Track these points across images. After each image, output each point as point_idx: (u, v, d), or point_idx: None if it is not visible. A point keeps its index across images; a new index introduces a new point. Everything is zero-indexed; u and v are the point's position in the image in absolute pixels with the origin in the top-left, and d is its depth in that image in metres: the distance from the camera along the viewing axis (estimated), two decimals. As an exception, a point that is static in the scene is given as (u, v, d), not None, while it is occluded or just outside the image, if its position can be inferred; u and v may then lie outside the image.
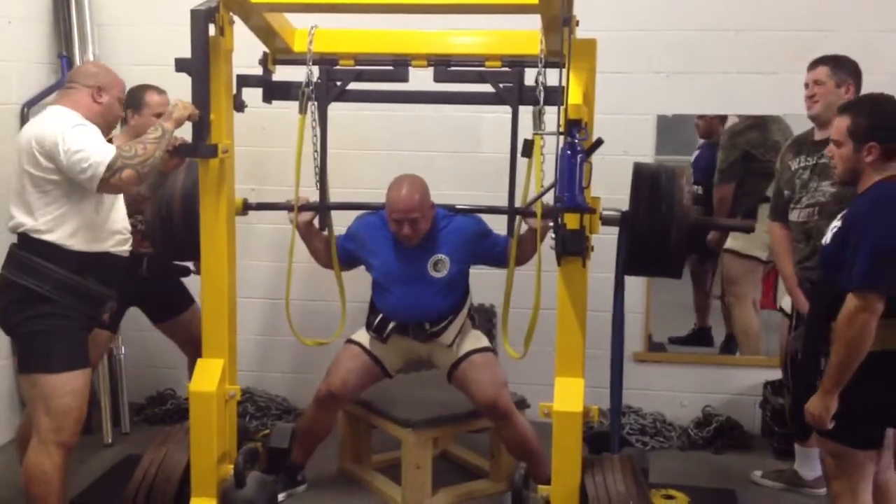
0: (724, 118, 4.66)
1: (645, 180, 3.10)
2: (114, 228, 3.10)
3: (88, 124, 2.97)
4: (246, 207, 3.40)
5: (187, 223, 3.29)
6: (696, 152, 4.81)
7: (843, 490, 2.78)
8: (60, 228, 2.94)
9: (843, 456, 2.76)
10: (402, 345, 3.64)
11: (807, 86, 3.56)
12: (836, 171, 2.83)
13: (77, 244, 2.97)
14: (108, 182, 2.85)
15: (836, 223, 2.75)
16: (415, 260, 3.53)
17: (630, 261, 3.11)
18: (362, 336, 3.67)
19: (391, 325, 3.57)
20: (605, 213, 3.01)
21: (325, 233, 3.59)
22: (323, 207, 3.50)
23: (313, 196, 3.50)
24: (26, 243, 2.97)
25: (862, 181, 2.72)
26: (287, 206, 3.50)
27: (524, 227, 3.40)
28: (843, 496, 2.79)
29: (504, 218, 3.40)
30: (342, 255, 3.62)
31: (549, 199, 2.84)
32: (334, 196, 3.55)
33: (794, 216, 3.57)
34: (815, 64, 3.56)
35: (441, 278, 3.53)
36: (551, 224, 2.87)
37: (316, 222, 3.58)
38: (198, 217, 3.13)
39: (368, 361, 3.62)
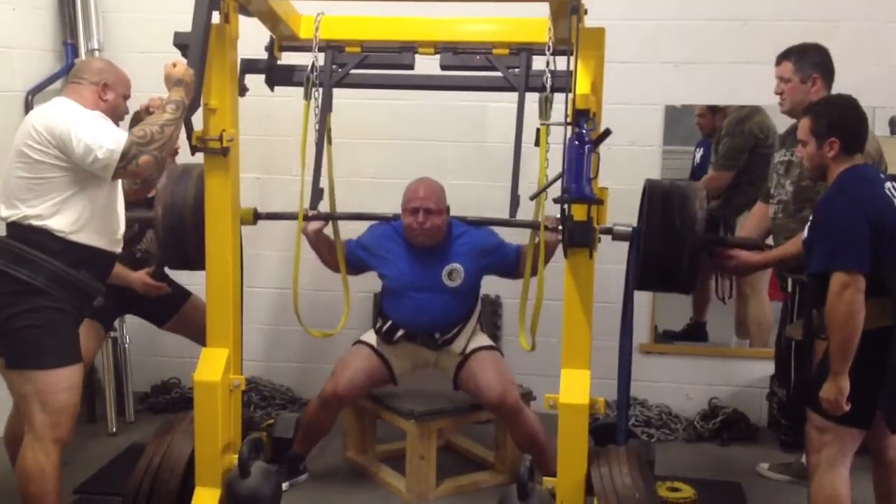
0: (725, 114, 4.53)
1: (657, 203, 3.07)
2: (112, 227, 3.05)
3: (99, 114, 2.93)
4: (256, 217, 3.40)
5: (199, 233, 3.14)
6: (700, 151, 4.60)
7: (821, 463, 2.85)
8: (60, 214, 2.86)
9: (828, 431, 2.83)
10: (410, 350, 3.66)
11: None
12: (806, 168, 2.98)
13: (74, 234, 2.89)
14: (125, 170, 2.81)
15: (811, 214, 2.89)
16: (430, 268, 3.55)
17: (640, 277, 3.11)
18: (371, 337, 3.68)
19: (400, 332, 3.60)
20: (616, 228, 3.05)
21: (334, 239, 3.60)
22: (331, 217, 3.52)
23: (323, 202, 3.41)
24: (18, 231, 2.88)
25: (829, 175, 2.88)
26: (295, 217, 3.38)
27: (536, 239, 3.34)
28: (820, 468, 2.86)
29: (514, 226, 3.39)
30: (351, 260, 3.64)
31: (555, 189, 2.81)
32: (339, 185, 3.52)
33: (770, 212, 3.56)
34: (780, 58, 3.49)
35: (455, 287, 3.56)
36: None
37: (328, 232, 3.58)
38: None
39: (378, 363, 3.63)
